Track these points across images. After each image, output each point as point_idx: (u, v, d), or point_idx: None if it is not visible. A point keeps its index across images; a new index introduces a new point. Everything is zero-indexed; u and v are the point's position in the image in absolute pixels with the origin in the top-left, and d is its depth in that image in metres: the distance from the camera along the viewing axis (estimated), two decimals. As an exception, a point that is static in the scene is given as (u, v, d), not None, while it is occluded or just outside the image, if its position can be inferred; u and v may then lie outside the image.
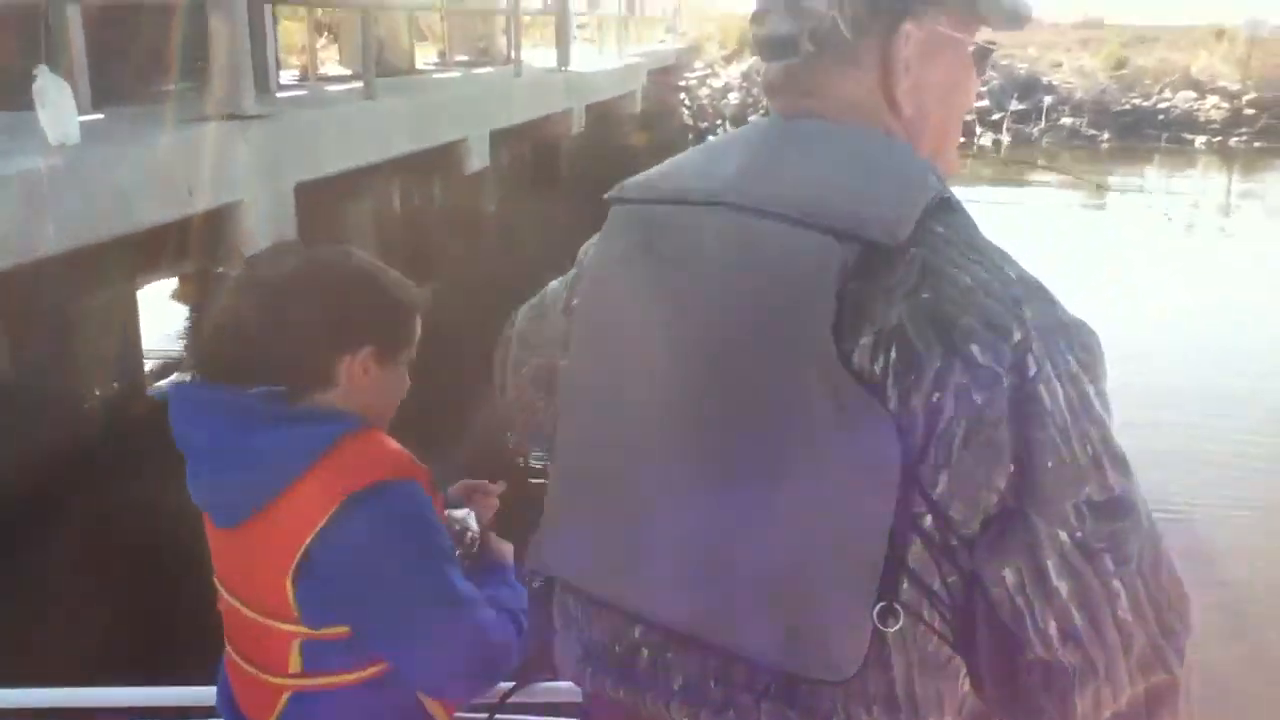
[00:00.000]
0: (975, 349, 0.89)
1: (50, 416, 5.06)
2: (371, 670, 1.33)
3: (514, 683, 1.38)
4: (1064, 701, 0.95)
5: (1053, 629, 0.91)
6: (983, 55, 1.09)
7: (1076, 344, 0.92)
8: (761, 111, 1.17)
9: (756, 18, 1.08)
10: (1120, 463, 0.93)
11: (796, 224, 0.94)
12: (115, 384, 5.70)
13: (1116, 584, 0.92)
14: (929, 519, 0.91)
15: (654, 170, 1.10)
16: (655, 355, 1.00)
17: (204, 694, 1.54)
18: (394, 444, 1.36)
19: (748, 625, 0.95)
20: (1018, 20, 1.09)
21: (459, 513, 1.52)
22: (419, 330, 1.44)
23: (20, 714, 1.64)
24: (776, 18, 1.05)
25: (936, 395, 0.89)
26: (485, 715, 1.42)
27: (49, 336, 5.34)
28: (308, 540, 1.25)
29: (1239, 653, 3.91)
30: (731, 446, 0.95)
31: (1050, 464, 0.89)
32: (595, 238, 1.14)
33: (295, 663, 1.32)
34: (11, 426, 4.86)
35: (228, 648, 1.42)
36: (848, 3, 1.01)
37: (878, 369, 0.90)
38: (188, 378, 1.36)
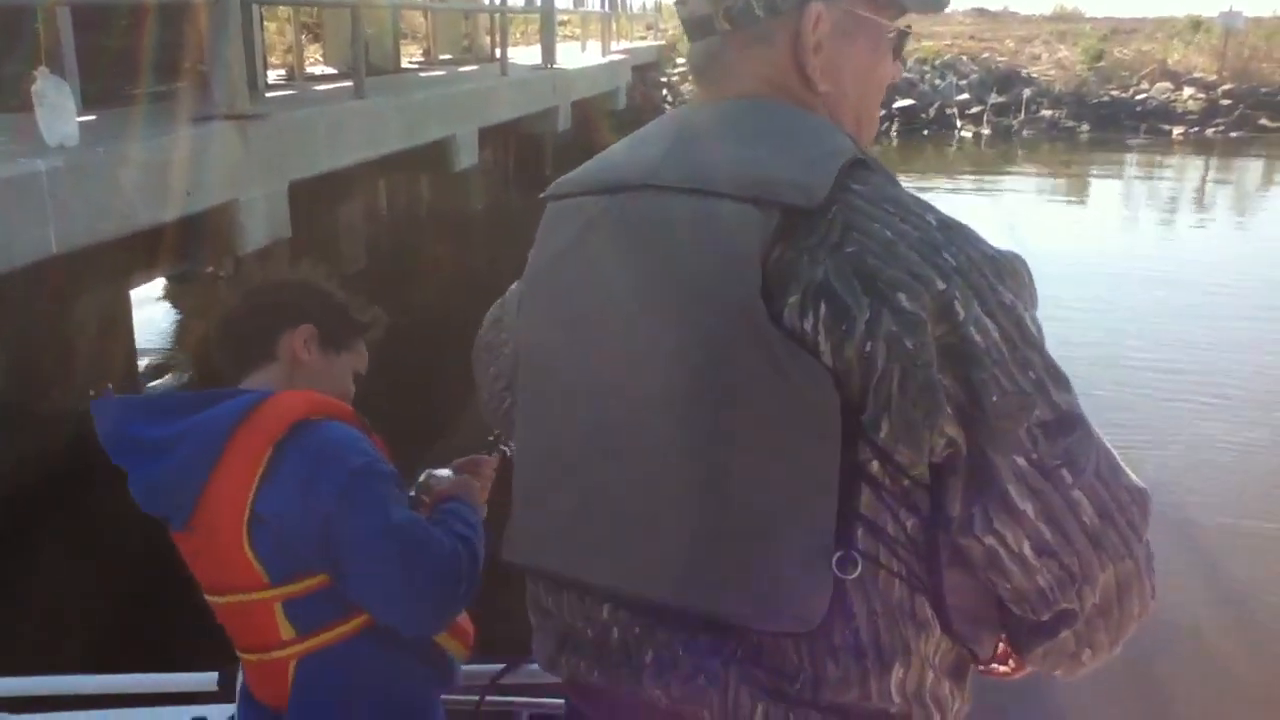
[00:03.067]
0: (902, 296, 0.92)
1: (45, 418, 5.06)
2: (366, 615, 1.34)
3: (504, 665, 1.41)
4: (1051, 613, 1.00)
5: (1026, 548, 0.95)
6: (901, 38, 1.13)
7: (1005, 273, 0.96)
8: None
9: (680, 0, 1.12)
10: (1062, 380, 0.96)
11: (718, 197, 0.97)
12: (110, 384, 5.70)
13: (1077, 493, 0.96)
14: (875, 465, 0.94)
15: (584, 165, 1.13)
16: (599, 339, 1.04)
17: (206, 679, 1.57)
18: (312, 394, 1.40)
19: (711, 587, 0.98)
20: (934, 5, 1.14)
21: (441, 471, 1.58)
22: (362, 341, 1.56)
23: (30, 702, 1.67)
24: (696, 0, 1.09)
25: (869, 345, 0.91)
26: (476, 696, 1.44)
27: (45, 338, 5.33)
28: (249, 498, 1.29)
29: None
30: (679, 416, 0.98)
31: (995, 398, 0.92)
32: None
33: (287, 629, 1.34)
34: (6, 427, 4.86)
35: (237, 651, 1.43)
36: None
37: (808, 325, 0.93)
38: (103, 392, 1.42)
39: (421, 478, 1.55)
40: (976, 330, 0.92)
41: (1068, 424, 0.96)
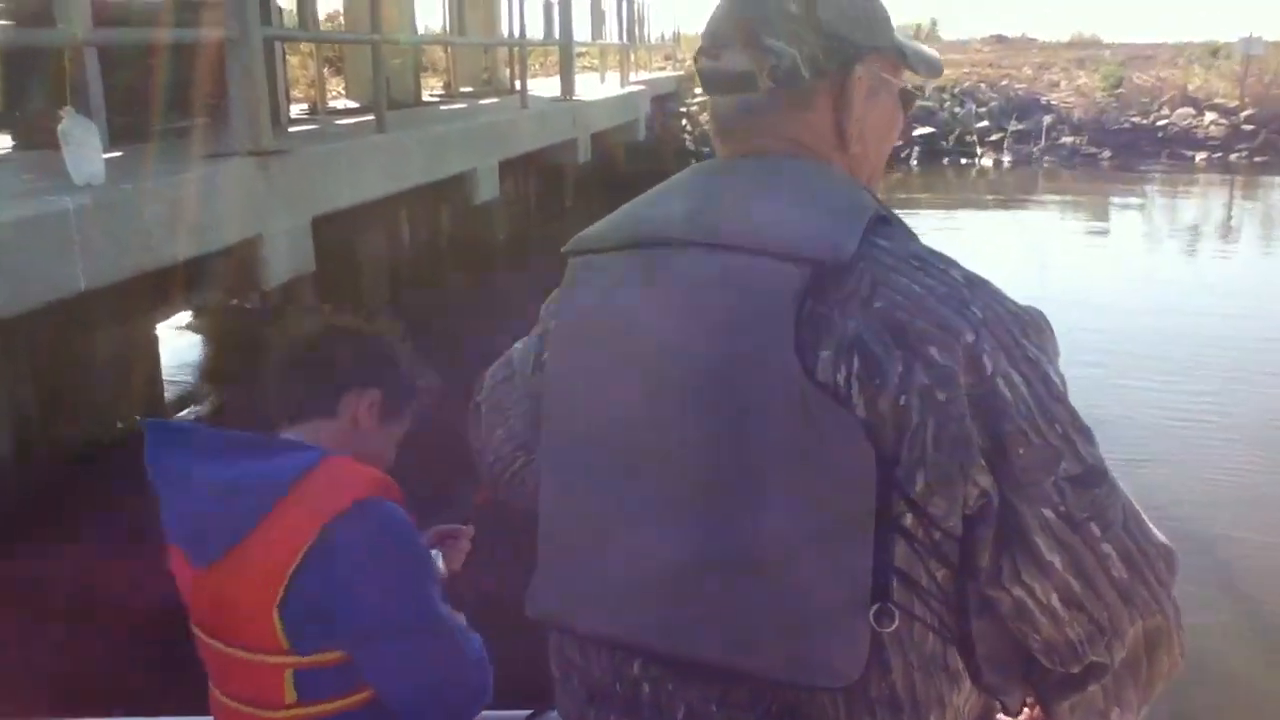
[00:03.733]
0: (933, 350, 0.93)
1: (73, 452, 5.10)
2: (369, 692, 1.33)
3: (530, 712, 1.41)
4: (1081, 666, 1.00)
5: (1055, 600, 0.96)
6: (909, 97, 1.16)
7: (1030, 329, 0.98)
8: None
9: (709, 51, 1.11)
10: (1087, 434, 0.97)
11: (751, 253, 0.98)
12: (137, 417, 5.74)
13: (1106, 547, 0.96)
14: (909, 518, 0.94)
15: (605, 220, 1.14)
16: (630, 394, 1.03)
17: None
18: (367, 467, 1.38)
19: (747, 644, 0.97)
20: (934, 70, 1.18)
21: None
22: (412, 414, 1.53)
23: None
24: (734, 53, 1.09)
25: (903, 398, 0.93)
26: None
27: (73, 372, 5.38)
28: (291, 570, 1.25)
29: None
30: (714, 473, 0.98)
31: (1022, 451, 0.93)
32: (554, 293, 1.18)
33: (290, 693, 1.32)
34: (36, 462, 4.90)
35: (213, 690, 1.41)
36: (806, 44, 1.06)
37: (841, 379, 0.94)
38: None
39: None
40: (1005, 384, 0.94)
41: (1094, 478, 0.96)
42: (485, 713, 1.47)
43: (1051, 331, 1.00)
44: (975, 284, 0.99)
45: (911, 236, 1.03)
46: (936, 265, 0.99)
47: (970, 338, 0.94)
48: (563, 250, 1.14)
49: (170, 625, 1.57)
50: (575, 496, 1.10)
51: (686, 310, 1.01)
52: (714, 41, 1.11)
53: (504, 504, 1.32)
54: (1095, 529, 0.96)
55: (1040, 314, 1.01)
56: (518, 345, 1.26)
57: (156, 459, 1.36)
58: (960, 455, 0.92)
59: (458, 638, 1.34)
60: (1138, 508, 1.00)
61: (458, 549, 1.60)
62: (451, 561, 1.59)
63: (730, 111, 1.12)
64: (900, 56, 1.13)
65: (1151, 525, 1.01)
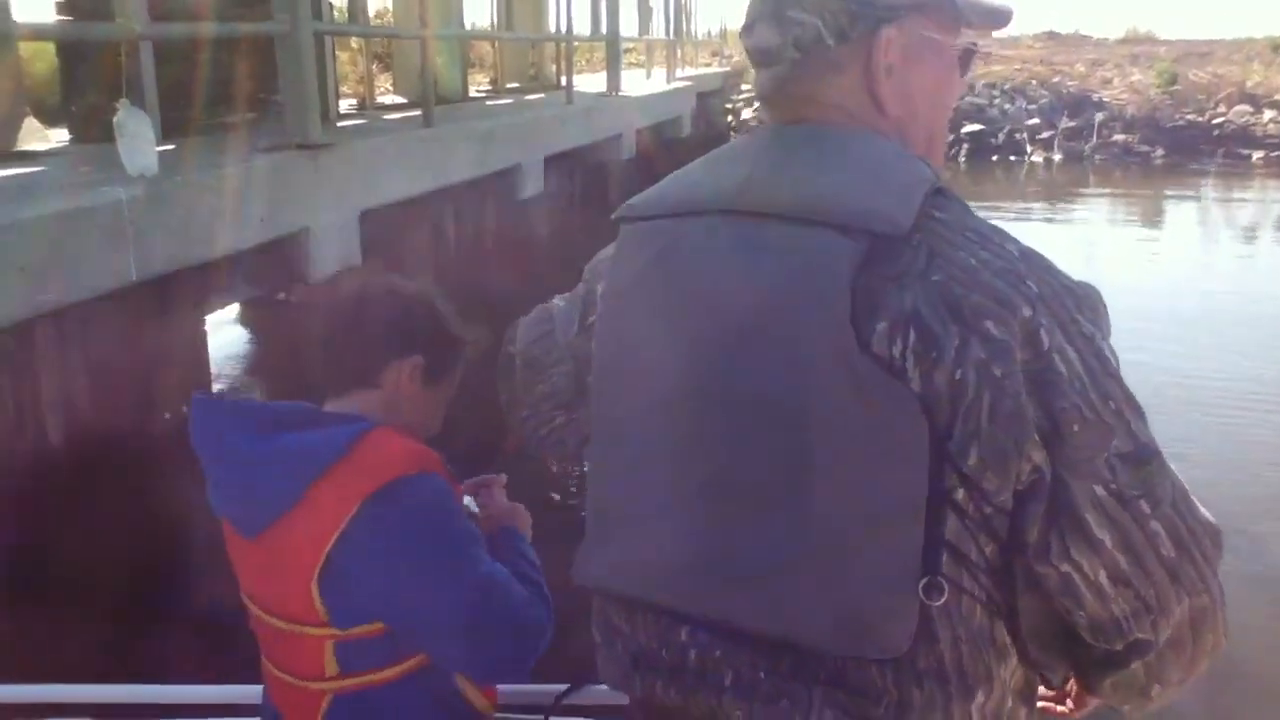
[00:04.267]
0: (990, 324, 0.92)
1: (126, 445, 5.18)
2: (410, 663, 1.35)
3: (568, 685, 1.41)
4: (1125, 643, 0.99)
5: (1103, 577, 0.95)
6: (967, 55, 1.13)
7: (1085, 305, 0.97)
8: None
9: (745, 29, 1.13)
10: (1140, 412, 0.97)
11: (805, 224, 0.97)
12: (185, 409, 5.82)
13: (1155, 525, 0.96)
14: (961, 492, 0.94)
15: (657, 186, 1.13)
16: (684, 363, 1.03)
17: (251, 692, 1.56)
18: (408, 439, 1.37)
19: (797, 614, 0.97)
20: (997, 19, 1.14)
21: (462, 500, 1.56)
22: (460, 373, 1.51)
23: (67, 708, 1.68)
24: (763, 27, 1.09)
25: (959, 372, 0.92)
26: (540, 717, 1.44)
27: (125, 363, 5.46)
28: (330, 544, 1.27)
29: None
30: (766, 441, 0.98)
31: (1076, 427, 0.93)
32: (602, 254, 1.18)
33: (331, 665, 1.34)
34: (93, 459, 4.98)
35: (264, 660, 1.44)
36: (829, 11, 1.05)
37: (896, 352, 0.93)
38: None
39: None
40: (1060, 359, 0.93)
41: (1145, 455, 0.95)
42: (525, 686, 1.48)
43: (1105, 308, 0.99)
44: (1031, 258, 0.98)
45: (967, 209, 1.02)
46: (993, 239, 0.98)
47: (1027, 312, 0.93)
48: (613, 217, 1.13)
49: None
50: (628, 465, 1.09)
51: (741, 279, 1.00)
52: (748, 17, 1.12)
53: (534, 456, 1.31)
54: (1145, 506, 0.95)
55: (1094, 290, 0.99)
56: (557, 301, 1.25)
57: (202, 433, 1.37)
58: (1015, 430, 0.92)
59: (502, 590, 1.33)
60: (1185, 487, 0.99)
61: (491, 497, 1.61)
62: (490, 507, 1.59)
63: (767, 84, 1.12)
64: (950, 10, 1.09)
65: (1199, 504, 1.00)
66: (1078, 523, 0.94)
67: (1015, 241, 0.99)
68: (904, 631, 0.94)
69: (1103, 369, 0.95)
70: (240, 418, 1.38)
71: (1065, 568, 0.95)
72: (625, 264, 1.11)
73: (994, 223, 1.02)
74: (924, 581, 0.94)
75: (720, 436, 1.00)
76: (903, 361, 0.93)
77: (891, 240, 0.95)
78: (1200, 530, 0.99)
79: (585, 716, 1.52)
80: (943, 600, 0.95)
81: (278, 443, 1.32)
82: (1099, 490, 0.94)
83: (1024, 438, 0.92)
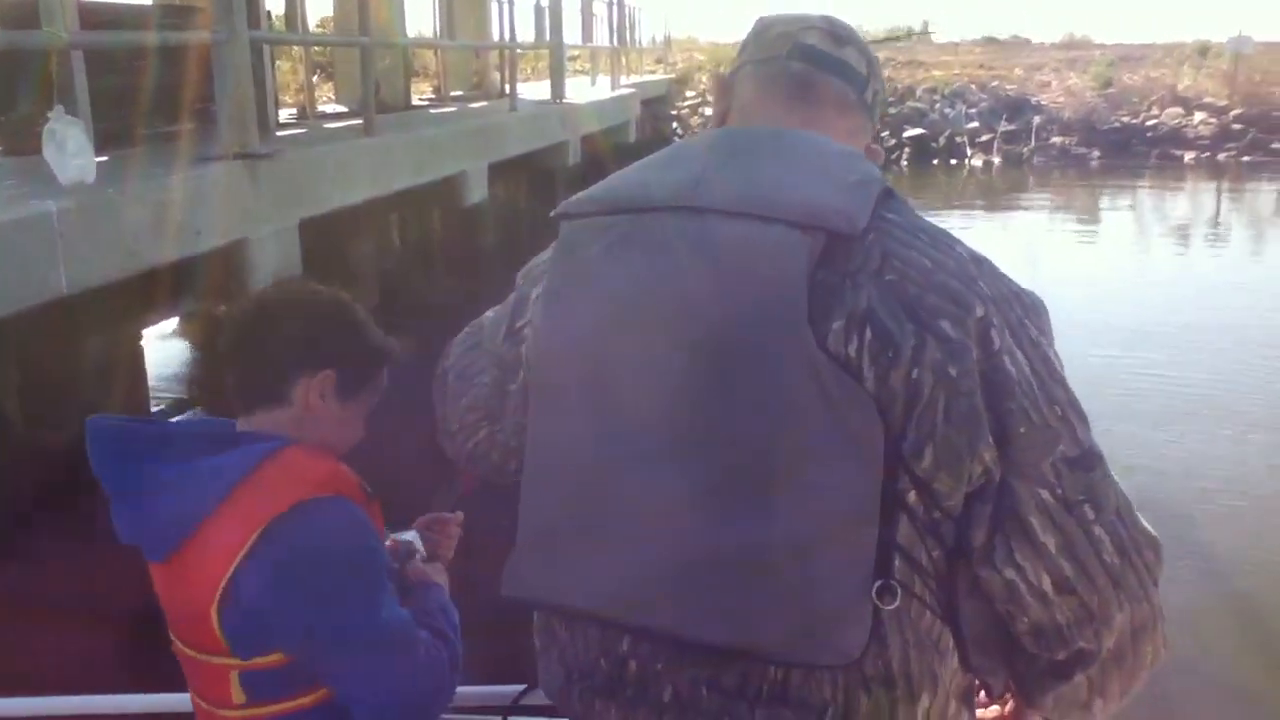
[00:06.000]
0: (945, 324, 0.93)
1: (59, 460, 5.06)
2: (321, 692, 1.29)
3: (524, 686, 1.37)
4: (1068, 652, 0.99)
5: (1047, 583, 0.95)
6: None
7: (1031, 311, 0.98)
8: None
9: (835, 40, 1.17)
10: (1084, 418, 0.97)
11: (762, 220, 0.96)
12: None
13: (1099, 530, 0.96)
14: (913, 494, 0.94)
15: (599, 185, 1.11)
16: (632, 361, 1.00)
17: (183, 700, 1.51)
18: (320, 458, 1.31)
19: (751, 621, 0.95)
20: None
21: (406, 535, 1.50)
22: (384, 380, 1.42)
23: None
24: (852, 50, 1.17)
25: (915, 371, 0.92)
26: (498, 717, 1.41)
27: (57, 378, 5.34)
28: (229, 570, 1.21)
29: None
30: (718, 442, 0.96)
31: (1023, 430, 0.93)
32: (537, 259, 1.15)
33: (239, 694, 1.28)
34: (20, 468, 4.86)
35: (189, 689, 1.38)
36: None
37: (852, 351, 0.93)
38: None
39: (387, 542, 1.46)
40: (1010, 360, 0.93)
41: (1090, 461, 0.96)
42: (478, 688, 1.45)
43: (1048, 316, 1.00)
44: (980, 261, 0.99)
45: (913, 211, 1.03)
46: (943, 241, 0.99)
47: (980, 312, 0.93)
48: (553, 214, 1.10)
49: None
50: (560, 466, 1.05)
51: (694, 277, 0.98)
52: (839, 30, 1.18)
53: (492, 487, 1.27)
54: (1089, 512, 0.95)
55: (1038, 297, 1.00)
56: (488, 314, 1.23)
57: (97, 461, 1.30)
58: (971, 431, 0.92)
59: (404, 645, 1.28)
60: (1128, 497, 1.00)
61: (446, 535, 1.55)
62: (442, 549, 1.53)
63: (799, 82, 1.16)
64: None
65: (1140, 516, 1.01)
66: (1023, 527, 0.94)
67: (963, 244, 1.00)
68: (858, 636, 0.93)
69: (1049, 373, 0.95)
70: (140, 440, 1.31)
71: (1009, 573, 0.95)
72: (568, 260, 1.07)
73: (940, 226, 1.03)
74: (877, 585, 0.93)
75: (680, 438, 0.97)
76: (858, 360, 0.93)
77: (847, 239, 0.95)
78: (1143, 540, 0.99)
79: (543, 717, 1.50)
80: (895, 605, 0.94)
81: (183, 464, 1.26)
82: (1044, 494, 0.94)
83: (978, 438, 0.92)
